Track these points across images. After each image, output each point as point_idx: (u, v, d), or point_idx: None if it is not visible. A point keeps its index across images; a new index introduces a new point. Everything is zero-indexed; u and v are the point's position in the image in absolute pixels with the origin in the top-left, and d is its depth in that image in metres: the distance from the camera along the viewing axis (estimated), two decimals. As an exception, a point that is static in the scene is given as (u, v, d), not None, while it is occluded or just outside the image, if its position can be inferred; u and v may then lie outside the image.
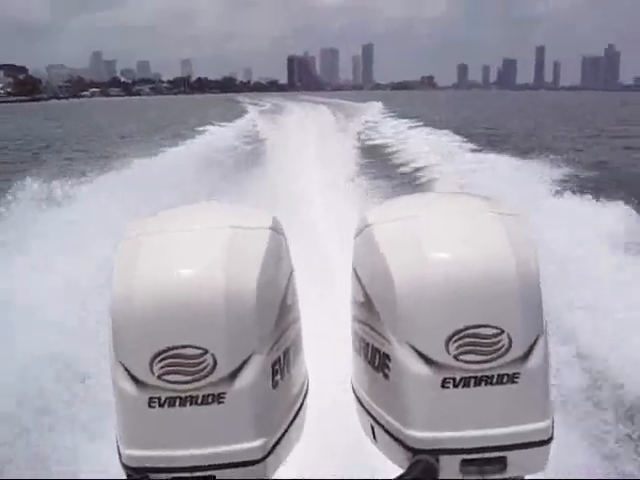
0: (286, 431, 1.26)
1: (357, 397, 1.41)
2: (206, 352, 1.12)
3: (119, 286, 1.18)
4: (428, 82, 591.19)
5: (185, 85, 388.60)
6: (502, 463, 1.16)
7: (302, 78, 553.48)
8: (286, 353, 1.28)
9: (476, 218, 1.26)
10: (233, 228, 1.24)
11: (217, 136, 30.20)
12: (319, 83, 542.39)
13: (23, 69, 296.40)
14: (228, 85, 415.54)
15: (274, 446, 1.20)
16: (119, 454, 1.20)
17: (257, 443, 1.16)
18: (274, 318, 1.23)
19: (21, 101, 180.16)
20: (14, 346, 5.36)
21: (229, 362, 1.14)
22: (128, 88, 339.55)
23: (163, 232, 1.26)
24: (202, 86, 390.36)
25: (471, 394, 1.15)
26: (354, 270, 1.38)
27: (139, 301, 1.15)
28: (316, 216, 11.16)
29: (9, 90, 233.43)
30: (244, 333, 1.16)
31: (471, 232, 1.22)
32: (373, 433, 1.32)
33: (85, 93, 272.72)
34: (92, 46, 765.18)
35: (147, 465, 1.16)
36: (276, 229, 1.31)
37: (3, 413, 4.70)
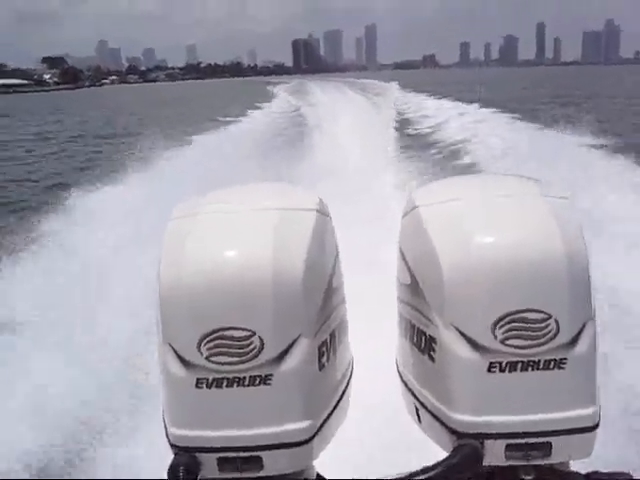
0: (332, 413, 1.28)
1: (402, 379, 1.43)
2: (253, 334, 1.14)
3: (167, 267, 1.20)
4: (430, 61, 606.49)
5: (197, 71, 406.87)
6: (547, 449, 1.16)
7: (307, 61, 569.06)
8: (332, 335, 1.29)
9: (524, 201, 1.26)
10: (280, 210, 1.26)
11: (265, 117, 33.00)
12: (324, 65, 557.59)
13: (62, 60, 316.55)
14: (236, 69, 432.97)
15: (320, 427, 1.22)
16: (166, 433, 1.22)
17: (303, 425, 1.17)
18: (321, 300, 1.23)
19: (67, 89, 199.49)
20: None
21: (276, 344, 1.15)
22: (144, 75, 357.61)
23: (211, 213, 1.28)
24: (213, 71, 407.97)
25: (517, 379, 1.15)
26: (400, 251, 1.39)
27: (187, 282, 1.16)
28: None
29: (56, 79, 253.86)
30: (291, 315, 1.17)
31: (519, 215, 1.22)
32: (418, 415, 1.33)
33: (105, 81, 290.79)
34: (96, 35, 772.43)
35: (194, 445, 1.17)
36: (322, 210, 1.32)
37: None
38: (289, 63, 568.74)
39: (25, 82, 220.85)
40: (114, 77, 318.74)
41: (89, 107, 73.06)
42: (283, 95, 50.98)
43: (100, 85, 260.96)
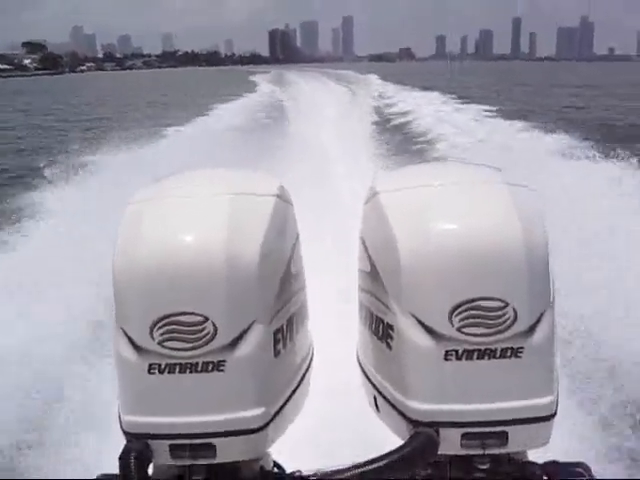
0: (287, 400, 1.26)
1: (361, 367, 1.42)
2: (207, 319, 1.12)
3: (121, 252, 1.18)
4: (406, 53, 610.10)
5: (174, 59, 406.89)
6: (504, 437, 1.15)
7: (284, 51, 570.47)
8: (290, 322, 1.28)
9: (485, 188, 1.25)
10: (237, 194, 1.24)
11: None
12: (300, 55, 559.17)
13: (42, 45, 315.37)
14: (213, 58, 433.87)
15: (274, 415, 1.20)
16: (120, 420, 1.20)
17: (257, 412, 1.16)
18: (277, 286, 1.22)
19: (47, 74, 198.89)
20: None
21: (230, 330, 1.14)
22: (121, 62, 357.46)
23: (167, 198, 1.26)
24: (190, 60, 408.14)
25: (474, 367, 1.14)
26: (361, 239, 1.38)
27: (140, 267, 1.14)
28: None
29: (36, 65, 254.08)
30: (245, 301, 1.15)
31: (479, 202, 1.22)
32: (376, 403, 1.32)
33: (82, 67, 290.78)
34: (71, 21, 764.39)
35: (146, 431, 1.15)
36: (283, 197, 1.31)
37: None
38: (266, 53, 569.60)
39: (8, 67, 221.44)
40: (91, 64, 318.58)
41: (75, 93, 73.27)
42: (266, 85, 50.75)
43: (81, 72, 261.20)
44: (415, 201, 1.23)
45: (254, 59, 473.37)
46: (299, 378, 1.33)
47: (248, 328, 1.16)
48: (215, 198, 1.24)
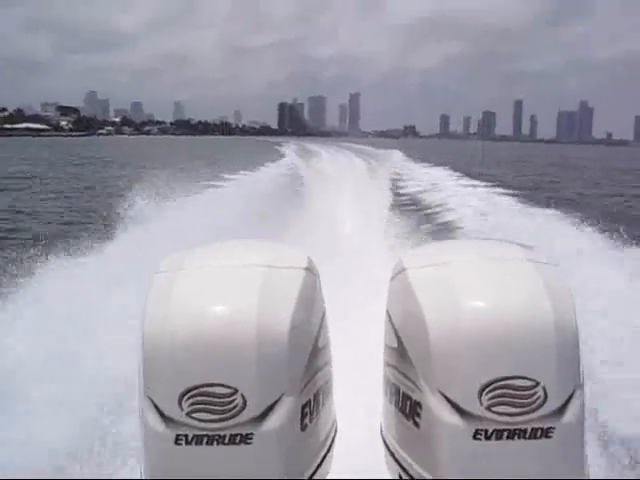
0: (313, 475, 1.26)
1: (386, 444, 1.40)
2: (236, 391, 1.13)
3: (151, 320, 1.18)
4: (410, 131, 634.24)
5: (188, 127, 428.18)
6: None
7: (291, 124, 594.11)
8: (316, 396, 1.28)
9: (513, 266, 1.24)
10: (268, 267, 1.25)
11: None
12: (308, 129, 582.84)
13: (74, 109, 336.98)
14: (225, 128, 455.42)
15: None
16: None
17: None
18: (305, 360, 1.22)
19: (81, 136, 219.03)
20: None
21: (259, 403, 1.14)
22: (139, 128, 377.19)
23: (197, 268, 1.27)
24: (204, 129, 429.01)
25: (504, 447, 1.13)
26: (388, 314, 1.38)
27: (171, 336, 1.15)
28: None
29: (70, 127, 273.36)
30: (275, 374, 1.16)
31: (507, 280, 1.21)
32: None
33: (102, 131, 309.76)
34: (87, 85, 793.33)
35: None
36: (310, 269, 1.32)
37: None
38: (274, 125, 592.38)
39: (47, 127, 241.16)
40: (111, 128, 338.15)
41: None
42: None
43: (101, 134, 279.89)
44: (442, 277, 1.23)
45: (263, 130, 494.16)
46: (324, 453, 1.33)
47: (277, 401, 1.16)
48: (246, 270, 1.25)
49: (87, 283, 7.23)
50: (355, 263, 8.03)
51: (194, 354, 1.14)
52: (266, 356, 1.15)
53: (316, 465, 1.28)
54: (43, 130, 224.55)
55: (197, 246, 1.37)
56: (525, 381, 1.12)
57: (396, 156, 43.46)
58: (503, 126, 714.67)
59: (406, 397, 1.26)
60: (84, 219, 18.00)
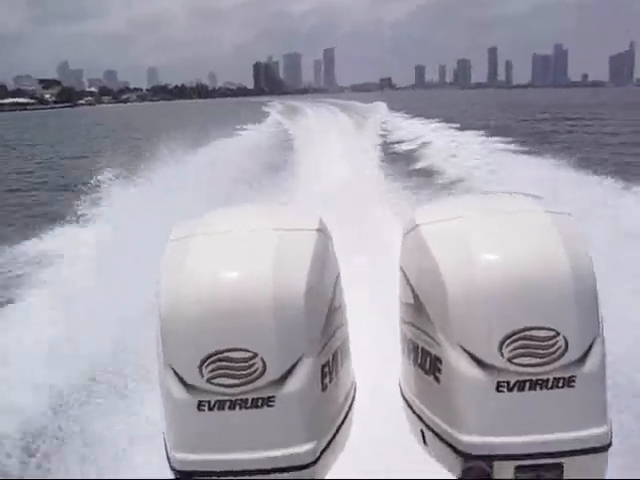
0: (335, 435, 1.26)
1: (406, 401, 1.41)
2: (255, 355, 1.13)
3: (167, 289, 1.19)
4: (387, 83, 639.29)
5: (165, 92, 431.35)
6: (559, 469, 1.13)
7: (268, 83, 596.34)
8: (335, 356, 1.28)
9: (527, 217, 1.24)
10: (280, 230, 1.25)
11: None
12: (284, 87, 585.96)
13: (56, 81, 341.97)
14: (202, 91, 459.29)
15: (324, 450, 1.20)
16: (167, 457, 1.21)
17: (307, 447, 1.17)
18: (323, 321, 1.23)
19: (65, 107, 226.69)
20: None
21: (279, 365, 1.14)
22: (117, 96, 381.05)
23: (210, 234, 1.27)
24: (180, 93, 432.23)
25: (526, 398, 1.13)
26: (402, 270, 1.38)
27: (187, 304, 1.15)
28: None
29: (54, 99, 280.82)
30: (293, 336, 1.16)
31: (523, 232, 1.21)
32: (423, 437, 1.31)
33: (81, 101, 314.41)
34: (58, 56, 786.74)
35: (195, 469, 1.17)
36: (323, 230, 1.31)
37: None
38: (250, 85, 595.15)
39: (32, 101, 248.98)
40: (90, 98, 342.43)
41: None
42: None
43: (87, 104, 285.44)
44: (457, 231, 1.23)
45: (239, 91, 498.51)
46: (345, 411, 1.34)
47: (297, 363, 1.16)
48: (258, 234, 1.25)
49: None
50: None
51: (211, 321, 1.15)
52: (283, 319, 1.15)
53: (338, 424, 1.30)
54: (29, 104, 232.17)
55: (208, 212, 1.39)
56: (546, 331, 1.12)
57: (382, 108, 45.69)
58: (479, 73, 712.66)
59: (425, 353, 1.27)
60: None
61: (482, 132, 25.43)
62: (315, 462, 1.18)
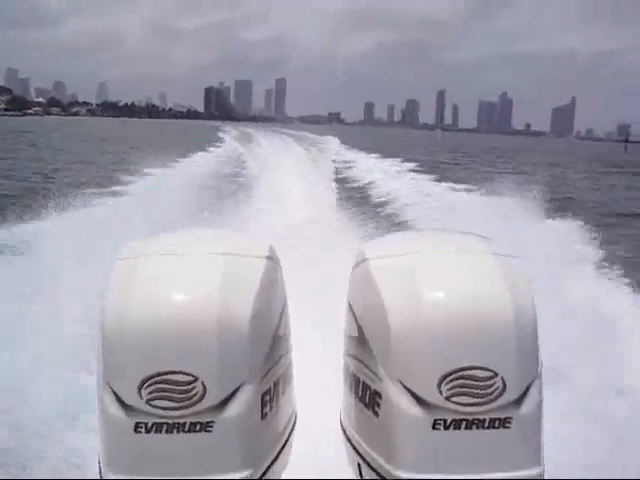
0: (272, 463, 1.26)
1: (345, 433, 1.42)
2: (196, 379, 1.13)
3: (112, 307, 1.17)
4: (335, 117, 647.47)
5: (115, 109, 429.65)
6: None
7: (218, 108, 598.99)
8: (276, 384, 1.28)
9: (473, 257, 1.27)
10: (230, 255, 1.25)
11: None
12: (234, 113, 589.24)
13: (7, 89, 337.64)
14: (153, 111, 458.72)
15: (260, 478, 1.20)
16: (100, 477, 1.18)
17: (244, 474, 1.16)
18: (266, 349, 1.23)
19: (15, 115, 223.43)
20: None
21: (219, 391, 1.15)
22: (66, 109, 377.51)
23: (158, 254, 1.26)
24: (131, 111, 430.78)
25: (462, 437, 1.15)
26: (349, 303, 1.40)
27: (131, 323, 1.14)
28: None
29: (4, 107, 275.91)
30: (236, 362, 1.16)
31: (469, 272, 1.23)
32: (360, 471, 1.32)
33: (29, 111, 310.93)
34: (6, 62, 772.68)
35: None
36: (272, 258, 1.32)
37: None
38: (200, 108, 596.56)
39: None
40: (38, 108, 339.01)
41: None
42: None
43: (35, 114, 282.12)
44: (404, 267, 1.24)
45: (190, 114, 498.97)
46: (283, 441, 1.34)
47: (237, 389, 1.16)
48: (208, 257, 1.25)
49: None
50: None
51: (154, 341, 1.13)
52: (227, 344, 1.15)
53: (276, 454, 1.28)
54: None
55: (159, 233, 1.37)
56: (484, 372, 1.14)
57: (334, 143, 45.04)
58: (426, 115, 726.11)
59: (366, 386, 1.27)
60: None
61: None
62: None
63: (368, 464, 1.27)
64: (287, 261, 1.49)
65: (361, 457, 1.30)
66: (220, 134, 58.93)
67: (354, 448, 1.35)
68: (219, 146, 39.47)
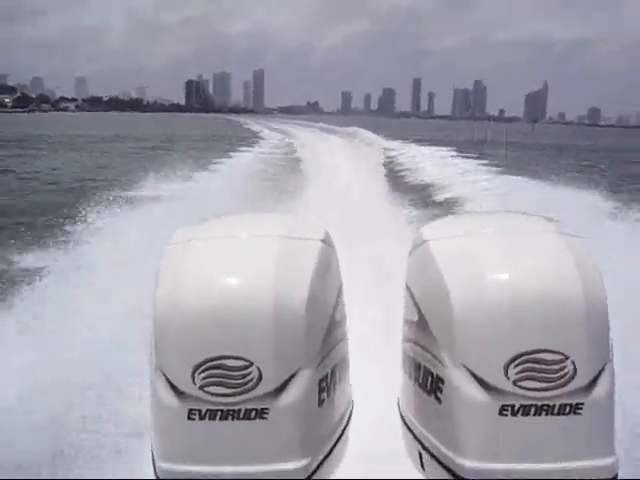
0: (330, 453, 1.23)
1: (404, 421, 1.38)
2: (251, 364, 1.10)
3: (164, 292, 1.16)
4: (314, 107, 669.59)
5: (100, 104, 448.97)
6: None
7: (199, 101, 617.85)
8: (333, 370, 1.25)
9: (540, 238, 1.22)
10: (284, 237, 1.23)
11: None
12: (215, 105, 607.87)
13: (13, 88, 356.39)
14: (138, 105, 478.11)
15: (317, 467, 1.17)
16: (154, 467, 1.17)
17: (301, 463, 1.13)
18: (323, 333, 1.20)
19: (21, 112, 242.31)
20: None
21: (275, 376, 1.11)
22: (56, 105, 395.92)
23: (210, 239, 1.25)
24: (116, 105, 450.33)
25: (530, 424, 1.10)
26: (407, 287, 1.35)
27: (183, 308, 1.12)
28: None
29: (12, 104, 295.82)
30: (292, 347, 1.13)
31: (535, 252, 1.18)
32: (421, 460, 1.28)
33: (27, 109, 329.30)
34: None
35: None
36: (327, 241, 1.29)
37: None
38: (182, 101, 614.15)
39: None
40: (34, 105, 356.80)
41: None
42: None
43: (29, 111, 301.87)
44: (466, 249, 1.20)
45: (172, 107, 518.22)
46: (341, 430, 1.31)
47: (294, 375, 1.13)
48: (261, 240, 1.23)
49: None
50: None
51: (207, 326, 1.12)
52: (283, 328, 1.12)
53: (333, 442, 1.26)
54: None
55: (210, 217, 1.36)
56: (554, 355, 1.09)
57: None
58: (402, 103, 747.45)
59: (427, 372, 1.24)
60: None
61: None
62: (308, 479, 1.15)
63: (430, 452, 1.24)
64: (342, 249, 1.47)
65: (422, 445, 1.28)
66: (251, 127, 65.29)
67: (415, 436, 1.32)
68: (257, 141, 42.68)
